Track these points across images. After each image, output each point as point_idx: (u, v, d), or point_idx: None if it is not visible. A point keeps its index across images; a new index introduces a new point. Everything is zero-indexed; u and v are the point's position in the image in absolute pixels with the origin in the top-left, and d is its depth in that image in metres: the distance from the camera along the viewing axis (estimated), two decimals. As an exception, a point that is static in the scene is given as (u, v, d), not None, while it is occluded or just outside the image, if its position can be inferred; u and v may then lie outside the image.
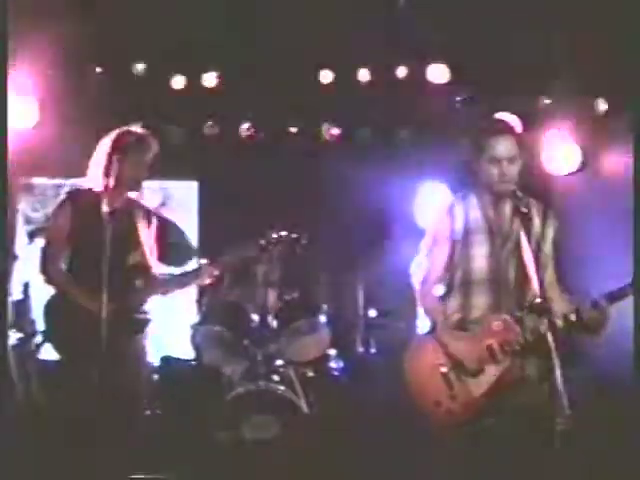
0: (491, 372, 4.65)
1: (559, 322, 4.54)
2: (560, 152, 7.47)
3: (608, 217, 7.03)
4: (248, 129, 7.99)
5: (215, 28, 7.16)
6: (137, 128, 5.22)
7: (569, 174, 7.44)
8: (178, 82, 7.52)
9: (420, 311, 4.92)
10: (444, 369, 4.68)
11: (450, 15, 7.20)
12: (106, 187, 4.94)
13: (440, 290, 4.88)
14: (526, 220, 4.58)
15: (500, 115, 6.58)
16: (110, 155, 5.03)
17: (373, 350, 6.91)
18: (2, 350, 5.54)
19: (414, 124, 7.91)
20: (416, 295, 4.89)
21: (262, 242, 5.60)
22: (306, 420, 6.29)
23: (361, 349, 6.94)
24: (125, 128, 5.22)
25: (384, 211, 7.44)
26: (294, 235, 5.68)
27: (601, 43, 6.93)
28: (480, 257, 4.78)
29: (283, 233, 5.66)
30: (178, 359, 6.91)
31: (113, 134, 5.17)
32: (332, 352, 6.90)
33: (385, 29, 7.49)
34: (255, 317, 6.73)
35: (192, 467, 6.01)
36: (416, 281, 4.89)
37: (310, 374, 6.75)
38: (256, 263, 6.66)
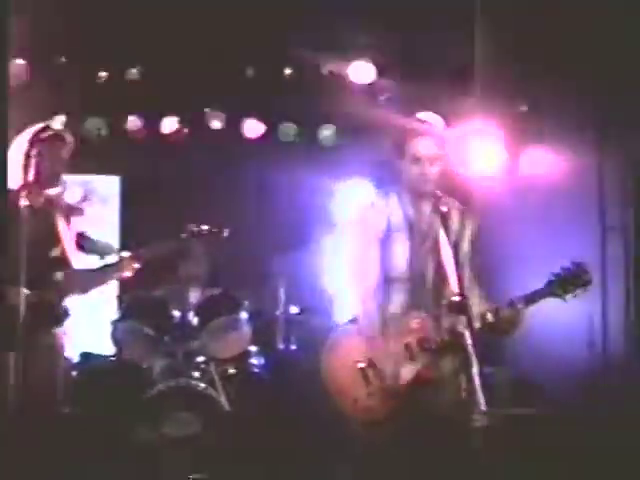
0: (409, 370, 4.68)
1: (476, 321, 4.57)
2: (482, 153, 7.51)
3: (529, 218, 7.17)
4: (171, 124, 7.97)
5: (140, 23, 7.11)
6: (53, 124, 5.14)
7: (491, 175, 7.50)
8: (102, 77, 7.45)
9: (356, 310, 4.88)
10: (362, 365, 4.70)
11: (375, 14, 7.27)
12: (25, 184, 4.89)
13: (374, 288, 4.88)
14: (445, 219, 4.60)
15: (422, 115, 6.64)
16: (27, 152, 4.99)
17: (294, 347, 6.92)
18: None
19: (337, 123, 7.94)
20: (350, 294, 4.88)
21: (183, 235, 5.58)
22: (227, 417, 6.28)
23: (282, 346, 6.94)
24: (41, 124, 5.15)
25: (306, 209, 7.45)
26: (215, 229, 5.67)
27: (524, 44, 7.07)
28: (400, 255, 4.80)
29: (204, 227, 5.65)
30: (98, 355, 6.83)
31: (29, 131, 5.11)
32: (253, 349, 6.87)
33: (308, 28, 7.53)
34: (176, 313, 6.71)
35: (112, 465, 5.96)
36: (347, 281, 4.90)
37: (231, 371, 6.71)
38: (177, 259, 6.63)
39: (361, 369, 4.70)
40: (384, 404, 4.68)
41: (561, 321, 6.55)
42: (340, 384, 4.75)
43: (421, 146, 4.73)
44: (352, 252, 4.90)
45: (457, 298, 4.38)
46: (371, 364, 4.70)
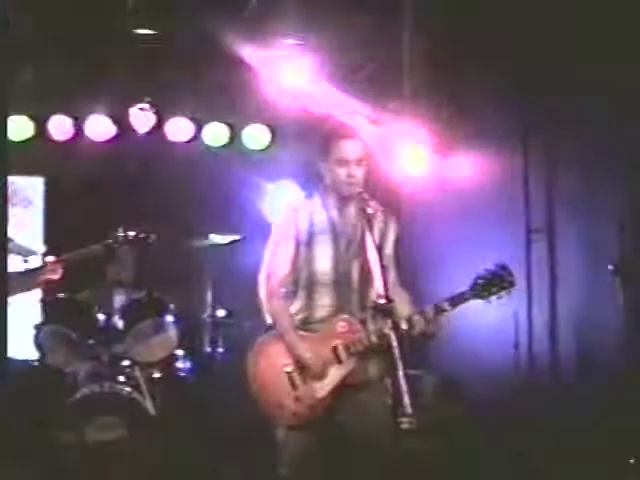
0: (335, 373, 4.66)
1: (403, 324, 4.58)
2: (408, 154, 7.58)
3: (455, 220, 7.24)
4: (96, 125, 7.87)
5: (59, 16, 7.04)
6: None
7: (417, 176, 7.57)
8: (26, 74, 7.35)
9: (265, 310, 4.87)
10: (289, 369, 4.67)
11: (302, 14, 7.26)
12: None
13: (284, 290, 4.85)
14: (370, 222, 4.59)
15: (349, 117, 6.65)
16: None
17: (220, 350, 6.86)
18: None
19: (264, 123, 7.92)
20: (260, 294, 4.85)
21: (109, 241, 5.52)
22: (152, 421, 6.21)
23: (209, 349, 6.89)
24: None
25: (234, 210, 7.42)
26: (142, 235, 5.62)
27: (451, 47, 7.13)
28: (324, 258, 4.76)
29: (130, 232, 5.59)
30: (21, 360, 6.73)
31: None
32: (179, 352, 6.82)
33: (239, 26, 7.49)
34: (101, 317, 6.63)
35: (34, 469, 5.86)
36: (260, 280, 4.85)
37: (157, 375, 6.65)
38: (102, 262, 6.55)
39: (287, 373, 4.67)
40: (311, 409, 4.64)
41: (487, 322, 6.67)
42: (266, 388, 4.71)
43: (347, 148, 4.69)
44: (266, 254, 4.87)
45: (383, 301, 4.39)
46: (298, 368, 4.67)
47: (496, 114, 7.10)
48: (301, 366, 4.67)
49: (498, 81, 7.01)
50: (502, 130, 7.06)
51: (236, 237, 6.92)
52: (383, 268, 4.49)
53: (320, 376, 4.65)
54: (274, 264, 4.82)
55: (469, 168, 7.31)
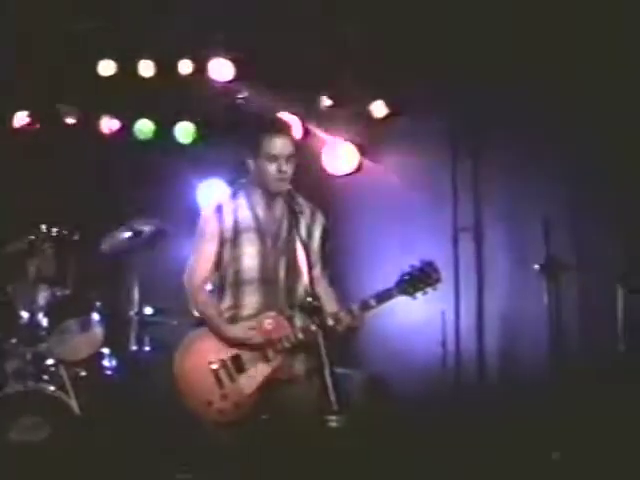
0: (262, 370, 4.68)
1: (330, 321, 4.59)
2: (337, 152, 7.57)
3: (383, 218, 7.26)
4: (23, 118, 7.78)
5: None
6: None
7: (346, 174, 7.58)
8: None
9: (192, 308, 4.89)
10: (215, 366, 4.68)
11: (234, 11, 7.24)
12: None
13: (210, 288, 4.86)
14: (297, 218, 4.60)
15: (279, 114, 6.64)
16: None
17: (147, 348, 6.77)
18: None
19: (194, 120, 7.87)
20: (187, 292, 4.85)
21: (32, 237, 5.44)
22: (77, 421, 6.13)
23: (135, 347, 6.82)
24: None
25: (162, 207, 7.36)
26: (65, 231, 5.55)
27: (381, 45, 7.16)
28: (250, 256, 4.77)
29: (54, 229, 5.52)
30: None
31: None
32: (105, 351, 6.72)
33: (169, 24, 7.46)
34: (24, 315, 6.51)
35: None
36: (186, 278, 4.85)
37: (82, 373, 6.55)
38: (23, 259, 6.45)
39: (214, 371, 4.67)
40: (237, 406, 4.65)
41: (415, 320, 6.74)
42: (193, 386, 4.70)
43: (278, 144, 4.69)
44: (192, 254, 4.87)
45: (309, 299, 4.41)
46: (224, 366, 4.68)
47: (426, 113, 7.15)
48: (226, 364, 4.67)
49: (428, 80, 7.05)
50: (431, 130, 7.11)
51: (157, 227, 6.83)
52: (310, 265, 4.52)
53: (246, 373, 4.66)
54: (197, 262, 4.81)
55: (398, 166, 7.35)
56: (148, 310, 6.68)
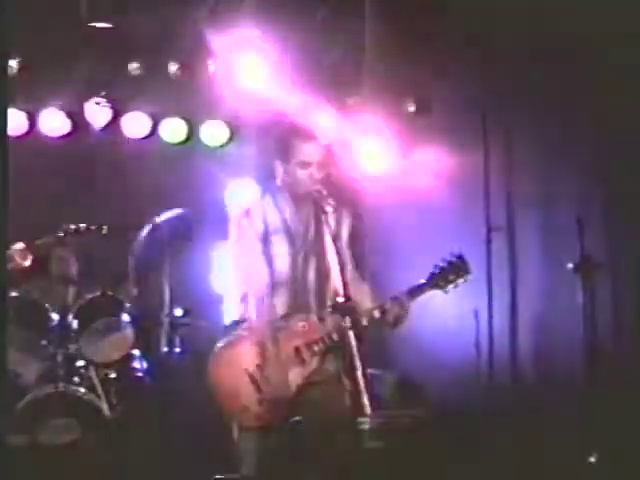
0: (298, 374, 4.68)
1: (364, 320, 4.63)
2: (368, 151, 7.59)
3: (415, 218, 7.28)
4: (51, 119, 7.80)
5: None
6: None
7: (377, 174, 7.59)
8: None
9: (227, 310, 5.02)
10: (251, 371, 4.67)
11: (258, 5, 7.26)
12: None
13: (249, 289, 4.84)
14: (325, 219, 4.65)
15: (308, 115, 6.67)
16: None
17: (178, 350, 6.75)
18: None
19: (222, 120, 7.88)
20: (236, 298, 4.86)
21: (60, 234, 5.45)
22: (108, 423, 6.19)
23: (166, 349, 6.82)
24: None
25: (192, 208, 7.36)
26: (93, 226, 5.56)
27: (412, 44, 7.16)
28: (280, 258, 4.79)
29: (82, 224, 5.54)
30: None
31: None
32: (135, 352, 6.76)
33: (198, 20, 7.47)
34: (54, 315, 6.56)
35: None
36: (222, 283, 4.88)
37: (112, 375, 6.62)
38: (54, 258, 6.51)
39: (250, 375, 4.68)
40: (275, 410, 4.65)
41: (447, 321, 6.79)
42: (229, 391, 4.70)
43: (309, 151, 4.72)
44: (235, 255, 4.87)
45: (341, 299, 4.44)
46: (260, 370, 4.67)
47: (457, 110, 7.18)
48: (263, 368, 4.67)
49: (459, 75, 7.06)
50: (462, 126, 7.13)
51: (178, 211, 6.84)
52: (340, 264, 4.54)
53: (283, 377, 4.66)
54: (245, 267, 4.81)
55: (430, 164, 7.33)
56: (178, 312, 6.70)
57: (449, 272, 4.74)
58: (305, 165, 4.71)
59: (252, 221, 4.79)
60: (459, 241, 6.62)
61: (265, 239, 4.80)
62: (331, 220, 4.74)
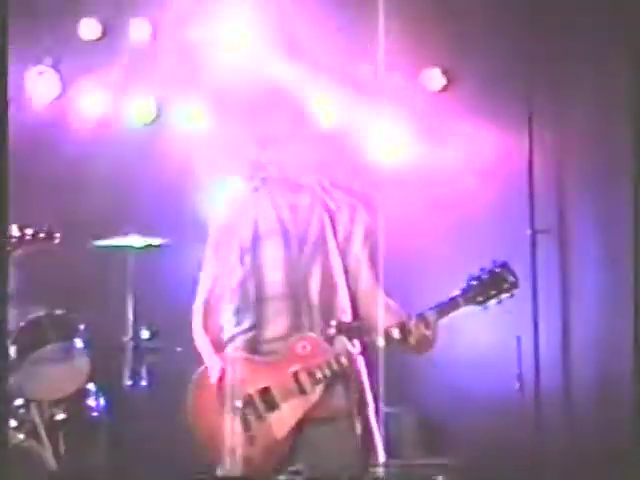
0: (298, 407, 4.76)
1: (380, 340, 4.68)
2: (383, 134, 7.70)
3: (442, 216, 7.42)
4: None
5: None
6: None
7: (396, 162, 7.70)
8: None
9: (201, 331, 4.99)
10: (239, 404, 4.76)
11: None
12: None
13: (228, 305, 4.99)
14: (331, 217, 4.79)
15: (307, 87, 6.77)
16: None
17: (144, 382, 6.89)
18: None
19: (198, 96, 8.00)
20: (197, 311, 5.00)
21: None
22: (54, 477, 6.27)
23: (130, 382, 6.88)
24: None
25: (163, 206, 7.55)
26: (42, 234, 5.65)
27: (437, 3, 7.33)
28: (274, 265, 4.91)
29: (28, 230, 5.66)
30: None
31: None
32: (90, 386, 6.85)
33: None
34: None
35: None
36: (198, 294, 5.00)
37: (60, 416, 6.69)
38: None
39: (239, 409, 4.76)
40: (268, 452, 4.75)
41: (483, 348, 6.93)
42: (210, 431, 4.79)
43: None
44: (204, 265, 5.01)
45: (347, 317, 4.56)
46: (250, 402, 4.78)
47: (497, 86, 7.30)
48: (253, 399, 4.76)
49: (499, 45, 7.23)
50: (503, 106, 7.27)
51: (158, 241, 6.99)
52: (349, 274, 4.68)
53: (278, 410, 4.75)
54: (212, 276, 4.98)
55: (461, 152, 7.49)
56: (145, 334, 6.82)
57: (490, 285, 4.74)
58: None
59: (240, 221, 4.94)
60: (497, 247, 6.80)
61: (255, 244, 4.92)
62: (341, 219, 4.89)
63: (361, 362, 4.57)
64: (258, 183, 5.02)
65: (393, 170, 7.66)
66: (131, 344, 6.86)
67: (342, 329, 4.66)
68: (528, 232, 7.01)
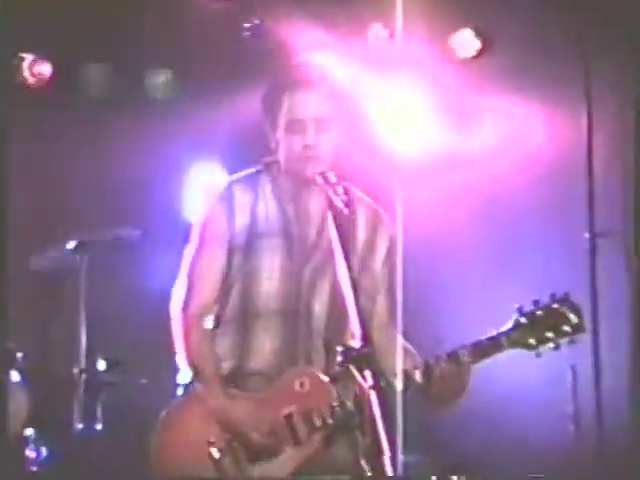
0: (290, 458, 4.76)
1: (397, 382, 4.66)
2: (406, 116, 7.74)
3: (480, 221, 7.45)
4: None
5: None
6: None
7: (420, 152, 7.71)
8: None
9: (180, 358, 4.95)
10: (216, 453, 4.74)
11: None
12: None
13: (212, 322, 4.98)
14: (345, 222, 4.61)
15: (308, 58, 6.75)
16: None
17: (99, 426, 6.88)
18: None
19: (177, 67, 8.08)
20: (173, 332, 4.97)
21: None
22: None
23: (80, 425, 6.88)
24: None
25: (128, 200, 7.49)
26: None
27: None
28: (270, 275, 4.91)
29: None
30: None
31: None
32: (29, 432, 6.85)
33: None
34: None
35: None
36: (174, 310, 4.98)
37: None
38: None
39: (214, 460, 4.75)
40: None
41: (527, 382, 6.87)
42: None
43: (302, 103, 4.87)
44: (183, 269, 5.00)
45: (359, 345, 4.39)
46: (230, 450, 4.76)
47: (547, 58, 7.33)
48: (235, 446, 4.74)
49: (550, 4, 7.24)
50: (553, 82, 7.30)
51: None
52: (363, 293, 4.50)
53: (266, 461, 4.74)
54: (193, 281, 4.96)
55: (502, 139, 7.51)
56: (101, 365, 6.83)
57: (545, 324, 4.69)
58: (296, 125, 4.86)
59: (232, 216, 4.94)
60: (548, 257, 6.88)
61: (249, 246, 4.93)
62: (359, 224, 4.97)
63: (373, 400, 4.32)
64: (261, 167, 5.07)
65: (413, 163, 7.63)
66: (83, 377, 6.78)
67: (351, 357, 4.43)
68: (586, 236, 6.99)
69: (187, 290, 4.96)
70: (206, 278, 4.95)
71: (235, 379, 4.87)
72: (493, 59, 7.67)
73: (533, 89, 7.42)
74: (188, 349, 4.92)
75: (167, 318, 5.01)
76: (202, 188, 7.36)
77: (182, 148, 7.84)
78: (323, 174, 4.70)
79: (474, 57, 7.69)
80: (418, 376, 4.73)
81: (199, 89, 8.04)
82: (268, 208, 4.98)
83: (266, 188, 5.02)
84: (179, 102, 8.13)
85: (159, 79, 8.17)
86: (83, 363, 6.88)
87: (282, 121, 4.88)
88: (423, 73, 7.64)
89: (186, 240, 5.05)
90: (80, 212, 7.37)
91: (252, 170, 5.10)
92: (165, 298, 5.03)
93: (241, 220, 4.95)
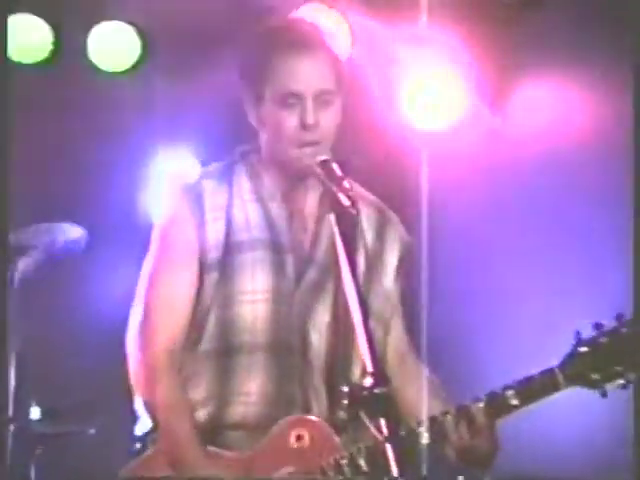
0: None
1: (422, 432, 4.69)
2: (428, 94, 7.80)
3: (516, 221, 7.48)
4: None
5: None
6: None
7: (445, 135, 7.81)
8: None
9: (139, 403, 4.96)
10: None
11: None
12: None
13: (178, 364, 4.91)
14: (349, 224, 4.61)
15: (304, 13, 6.72)
16: None
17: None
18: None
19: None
20: (131, 371, 4.93)
21: None
22: None
23: (10, 488, 6.91)
24: None
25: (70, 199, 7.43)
26: None
27: None
28: (253, 298, 4.89)
29: None
30: None
31: None
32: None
33: None
34: None
35: None
36: (131, 346, 4.95)
37: None
38: None
39: None
40: None
41: (583, 415, 6.96)
42: None
43: (297, 71, 4.84)
44: (142, 291, 4.98)
45: (370, 383, 4.28)
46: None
47: (589, 35, 7.49)
48: None
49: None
50: (598, 60, 7.51)
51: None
52: (372, 316, 4.52)
53: None
54: (159, 312, 4.91)
55: (540, 122, 7.68)
56: (35, 413, 6.77)
57: (612, 354, 4.70)
58: (290, 100, 4.81)
59: (202, 219, 4.89)
60: (596, 259, 6.79)
61: (226, 259, 4.89)
62: (368, 231, 4.98)
63: (390, 453, 4.21)
64: (236, 157, 5.08)
65: (442, 152, 7.64)
66: (12, 428, 6.69)
67: (360, 399, 4.33)
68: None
69: (147, 321, 4.92)
70: (171, 305, 4.93)
71: (215, 432, 4.84)
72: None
73: (582, 75, 7.63)
74: (151, 399, 4.88)
75: (121, 349, 4.96)
76: (168, 179, 7.27)
77: (144, 129, 7.79)
78: (325, 164, 4.68)
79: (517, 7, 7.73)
80: (450, 424, 4.71)
81: (167, 55, 8.02)
82: (248, 211, 4.99)
83: (243, 184, 5.01)
84: (142, 71, 8.05)
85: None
86: (11, 410, 6.82)
87: (269, 93, 4.85)
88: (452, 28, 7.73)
89: (147, 247, 4.96)
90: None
91: (224, 162, 5.12)
92: (119, 322, 5.02)
93: (214, 226, 4.94)
